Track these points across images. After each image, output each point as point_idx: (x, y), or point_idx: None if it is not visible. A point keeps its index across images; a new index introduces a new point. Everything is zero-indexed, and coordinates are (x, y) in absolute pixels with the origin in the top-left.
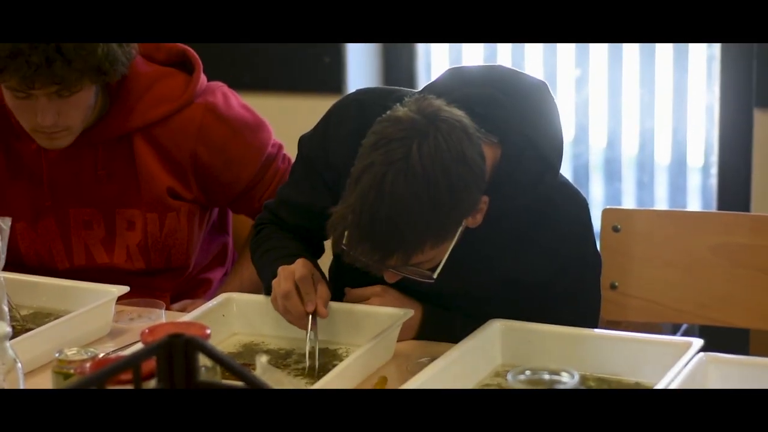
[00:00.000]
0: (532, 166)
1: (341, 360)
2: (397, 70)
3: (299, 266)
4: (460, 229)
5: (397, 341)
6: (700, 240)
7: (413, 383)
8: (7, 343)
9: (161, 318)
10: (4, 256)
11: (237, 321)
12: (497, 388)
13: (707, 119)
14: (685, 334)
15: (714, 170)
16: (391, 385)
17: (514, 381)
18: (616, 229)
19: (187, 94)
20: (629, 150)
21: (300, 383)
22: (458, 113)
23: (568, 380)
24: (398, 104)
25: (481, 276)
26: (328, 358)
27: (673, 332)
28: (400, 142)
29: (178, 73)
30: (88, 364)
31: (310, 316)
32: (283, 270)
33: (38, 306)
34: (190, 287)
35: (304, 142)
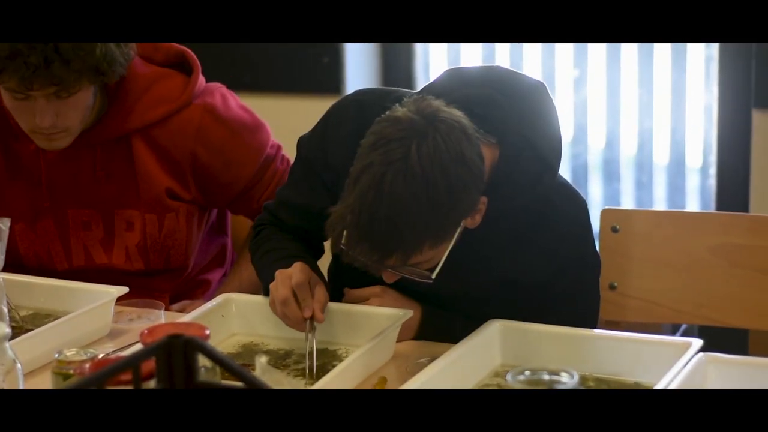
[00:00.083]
0: (531, 166)
1: (341, 360)
2: (396, 71)
3: (296, 271)
4: (458, 230)
5: (397, 341)
6: (698, 240)
7: (413, 383)
8: (7, 344)
9: (160, 319)
10: (3, 257)
11: (236, 321)
12: (497, 388)
13: (706, 120)
14: (684, 334)
15: (712, 170)
16: (390, 386)
17: (514, 381)
18: (614, 230)
19: (185, 95)
20: (628, 150)
21: (299, 384)
22: (457, 114)
23: (567, 380)
24: (397, 105)
25: (479, 276)
26: (327, 359)
27: (673, 332)
28: (399, 142)
29: (177, 74)
30: (87, 365)
31: (308, 321)
32: (280, 274)
33: (37, 307)
34: (189, 288)
35: (303, 143)
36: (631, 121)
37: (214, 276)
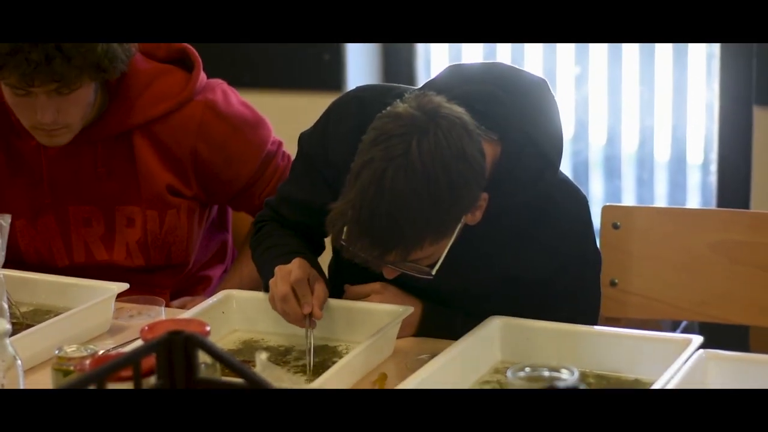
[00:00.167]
0: (532, 163)
1: (341, 357)
2: (397, 68)
3: (295, 267)
4: (459, 226)
5: (397, 338)
6: (699, 237)
7: (413, 380)
8: (7, 340)
9: (161, 315)
10: (3, 254)
11: (237, 318)
12: (497, 385)
13: (707, 116)
14: (685, 331)
15: (713, 167)
16: (390, 382)
17: (514, 378)
18: (615, 227)
19: (186, 92)
20: (629, 147)
21: (300, 380)
22: (458, 110)
23: (567, 377)
24: (398, 101)
25: (480, 273)
26: (327, 355)
27: (673, 329)
28: (400, 138)
29: (178, 71)
30: (87, 361)
31: (307, 317)
32: (279, 270)
33: (38, 303)
34: (190, 284)
35: (304, 139)
36: (632, 118)
37: (215, 272)
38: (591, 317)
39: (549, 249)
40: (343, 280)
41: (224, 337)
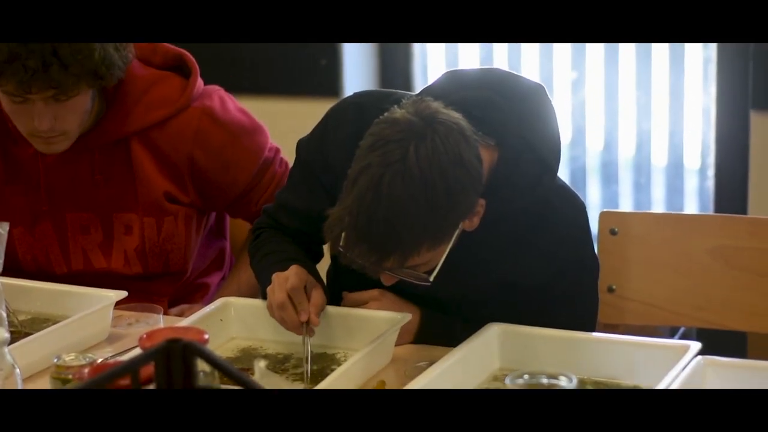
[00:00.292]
0: (530, 168)
1: (339, 364)
2: (394, 73)
3: (292, 274)
4: (456, 232)
5: (395, 345)
6: (697, 243)
7: (411, 387)
8: (6, 349)
9: (159, 323)
10: (1, 261)
11: (235, 325)
12: None
13: (704, 121)
14: (683, 337)
15: (711, 172)
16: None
17: (513, 385)
18: (613, 232)
19: (183, 98)
20: (626, 152)
21: (298, 388)
22: (455, 116)
23: (566, 384)
24: (395, 106)
25: (478, 279)
26: (326, 363)
27: (671, 335)
28: (398, 143)
29: (175, 77)
30: (86, 370)
31: (305, 324)
32: (276, 277)
33: (36, 311)
34: (188, 292)
35: (301, 146)
36: (629, 123)
37: (213, 280)
38: (589, 323)
39: (547, 255)
40: (342, 287)
41: (222, 344)
